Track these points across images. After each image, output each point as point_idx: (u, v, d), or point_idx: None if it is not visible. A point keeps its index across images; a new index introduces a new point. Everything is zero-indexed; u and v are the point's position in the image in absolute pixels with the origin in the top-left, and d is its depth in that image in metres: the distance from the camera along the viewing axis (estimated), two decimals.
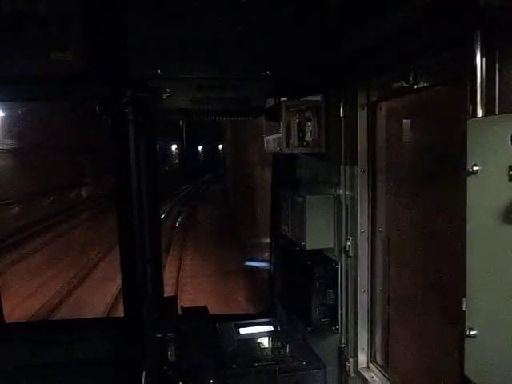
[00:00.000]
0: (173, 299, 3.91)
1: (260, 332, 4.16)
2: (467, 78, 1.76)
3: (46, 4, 2.76)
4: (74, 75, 3.10)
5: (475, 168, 1.56)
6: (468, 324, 1.64)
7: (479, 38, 1.67)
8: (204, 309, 3.96)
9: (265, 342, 3.99)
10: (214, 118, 3.76)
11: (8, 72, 2.93)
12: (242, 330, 4.18)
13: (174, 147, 44.82)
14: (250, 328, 4.22)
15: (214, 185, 37.06)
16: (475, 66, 1.70)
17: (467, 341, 1.64)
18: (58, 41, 2.90)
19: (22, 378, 3.79)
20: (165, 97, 3.35)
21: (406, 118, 2.82)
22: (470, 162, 1.58)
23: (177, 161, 45.68)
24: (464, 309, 1.70)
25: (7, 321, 4.23)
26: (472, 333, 1.62)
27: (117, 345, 3.94)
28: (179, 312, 3.87)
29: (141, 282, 3.91)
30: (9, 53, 2.85)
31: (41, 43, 2.88)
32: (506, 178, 1.43)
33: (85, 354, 3.92)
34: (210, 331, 3.67)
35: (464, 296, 1.70)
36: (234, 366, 3.54)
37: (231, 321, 4.30)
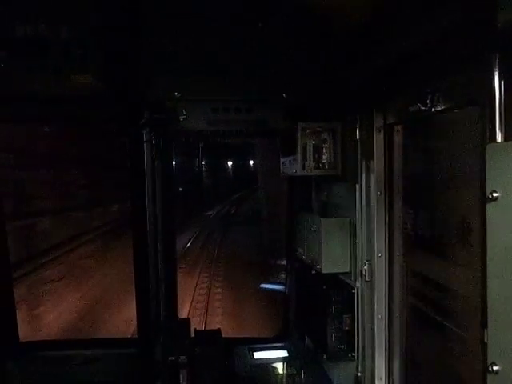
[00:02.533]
0: (186, 321, 3.86)
1: (274, 357, 4.07)
2: (485, 101, 1.71)
3: (67, 29, 2.84)
4: (93, 97, 3.17)
5: (495, 194, 1.50)
6: (490, 358, 1.55)
7: (497, 60, 1.64)
8: (217, 332, 3.90)
9: (279, 367, 3.90)
10: (230, 139, 3.78)
11: (29, 94, 3.01)
12: (257, 355, 4.10)
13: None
14: (265, 352, 4.14)
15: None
16: (493, 89, 1.66)
17: (489, 377, 1.54)
18: (78, 64, 2.98)
19: None
20: (181, 118, 3.39)
21: (423, 141, 2.78)
22: (489, 188, 1.52)
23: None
24: (486, 341, 1.62)
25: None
26: (495, 368, 1.52)
27: (130, 366, 3.91)
28: (192, 335, 3.82)
29: (155, 303, 3.88)
30: (31, 75, 2.94)
31: (62, 66, 2.95)
32: None
33: (97, 374, 3.89)
34: (223, 355, 3.60)
35: (486, 327, 1.62)
36: None
37: (245, 344, 4.23)
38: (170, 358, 3.35)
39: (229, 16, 2.23)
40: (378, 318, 2.98)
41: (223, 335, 3.86)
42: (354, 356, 3.22)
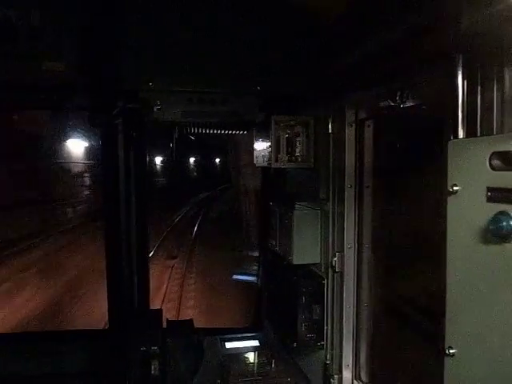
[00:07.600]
0: (158, 312, 3.87)
1: (246, 347, 4.12)
2: (449, 99, 1.79)
3: (38, 15, 2.78)
4: (66, 85, 3.12)
5: (455, 188, 1.58)
6: (447, 343, 1.65)
7: (461, 60, 1.71)
8: (189, 322, 3.93)
9: (250, 357, 3.95)
10: (204, 131, 3.79)
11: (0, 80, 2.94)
12: (228, 345, 4.14)
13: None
14: (236, 342, 4.18)
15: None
16: (457, 87, 1.73)
17: (446, 359, 1.64)
18: (50, 51, 2.93)
19: None
20: (155, 109, 3.37)
21: (393, 136, 2.86)
22: (450, 182, 1.60)
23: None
24: (444, 326, 1.71)
25: None
26: (451, 351, 1.62)
27: (101, 357, 3.88)
28: (164, 325, 3.83)
29: (127, 293, 3.87)
30: (1, 62, 2.87)
31: (33, 53, 2.90)
32: (484, 198, 1.45)
33: (68, 366, 3.86)
34: (194, 345, 3.63)
35: (444, 314, 1.70)
36: (219, 381, 3.50)
37: (217, 335, 4.27)
38: (141, 349, 3.35)
39: (204, 8, 2.24)
40: (346, 308, 3.07)
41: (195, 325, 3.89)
42: (322, 345, 3.30)
